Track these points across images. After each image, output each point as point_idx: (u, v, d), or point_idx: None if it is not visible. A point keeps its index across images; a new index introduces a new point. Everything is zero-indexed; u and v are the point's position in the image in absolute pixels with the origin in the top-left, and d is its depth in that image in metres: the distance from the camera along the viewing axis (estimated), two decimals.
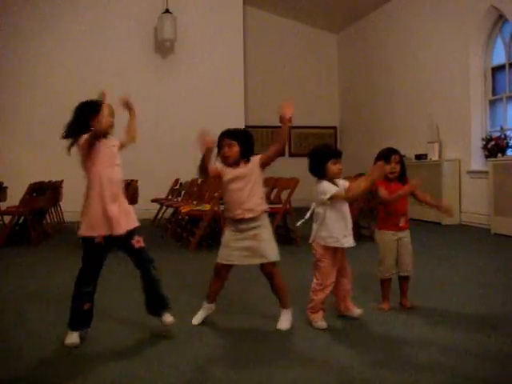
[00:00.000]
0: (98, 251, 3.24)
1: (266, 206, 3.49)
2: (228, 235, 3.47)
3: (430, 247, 6.65)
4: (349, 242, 3.50)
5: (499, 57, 8.73)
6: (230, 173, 3.43)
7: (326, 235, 3.48)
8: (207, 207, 6.96)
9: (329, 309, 3.62)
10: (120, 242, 3.28)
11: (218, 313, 3.64)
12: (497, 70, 8.80)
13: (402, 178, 3.87)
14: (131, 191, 6.80)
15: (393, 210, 3.83)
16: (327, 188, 3.45)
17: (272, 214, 7.16)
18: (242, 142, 3.45)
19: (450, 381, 2.65)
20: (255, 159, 3.47)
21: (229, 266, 3.49)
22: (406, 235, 3.87)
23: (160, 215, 9.68)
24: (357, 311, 3.63)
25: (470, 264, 5.69)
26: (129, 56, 11.08)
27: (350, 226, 3.52)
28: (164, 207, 9.53)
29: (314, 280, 3.56)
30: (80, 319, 3.23)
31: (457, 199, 9.04)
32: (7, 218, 7.80)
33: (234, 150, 3.41)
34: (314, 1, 12.25)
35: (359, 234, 7.26)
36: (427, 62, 9.98)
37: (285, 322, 3.46)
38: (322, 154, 3.56)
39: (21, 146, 10.55)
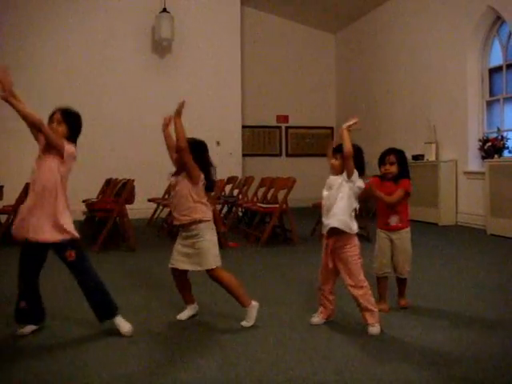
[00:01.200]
0: (25, 252, 3.36)
1: (202, 215, 3.52)
2: (177, 238, 3.65)
3: (426, 248, 6.65)
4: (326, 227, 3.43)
5: (496, 58, 8.74)
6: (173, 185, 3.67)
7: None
8: None
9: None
10: (55, 252, 3.33)
11: (210, 312, 3.63)
12: (494, 71, 8.81)
13: (398, 178, 3.83)
14: (127, 191, 6.78)
15: (380, 209, 3.87)
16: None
17: (269, 214, 7.20)
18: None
19: (447, 381, 2.65)
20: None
21: (175, 269, 3.61)
22: (399, 237, 3.83)
23: (156, 215, 9.67)
24: (371, 330, 3.35)
25: (467, 265, 5.70)
26: (126, 55, 11.06)
27: (330, 211, 3.40)
28: (160, 207, 9.52)
29: None
30: (17, 315, 3.40)
31: (453, 200, 9.05)
32: (3, 217, 7.78)
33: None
34: (311, 1, 12.25)
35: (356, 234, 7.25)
36: (424, 63, 9.99)
37: (248, 319, 3.51)
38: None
39: (17, 146, 10.51)
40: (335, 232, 3.38)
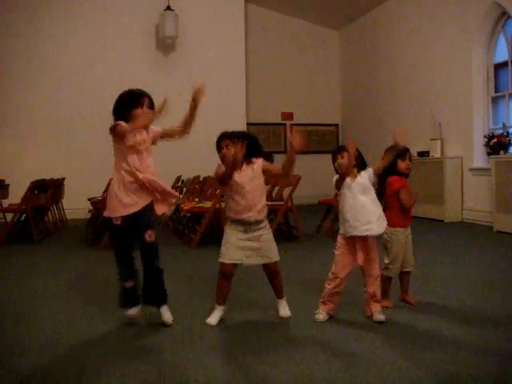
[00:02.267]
0: (117, 232, 3.45)
1: (266, 212, 3.57)
2: (231, 234, 3.49)
3: (432, 244, 6.64)
4: (368, 231, 3.45)
5: (502, 54, 8.70)
6: (239, 175, 3.45)
7: (344, 224, 3.54)
8: (209, 204, 6.96)
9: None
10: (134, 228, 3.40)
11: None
12: (499, 67, 8.77)
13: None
14: None
15: (405, 205, 3.85)
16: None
17: (274, 211, 7.19)
18: (248, 141, 3.47)
19: (452, 377, 2.65)
20: (258, 163, 3.51)
21: (234, 265, 3.50)
22: (410, 230, 3.91)
23: None
24: (378, 317, 3.50)
25: (473, 261, 5.68)
26: (130, 53, 11.07)
27: (369, 216, 3.46)
28: None
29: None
30: (124, 298, 3.48)
31: (459, 196, 9.03)
32: (9, 216, 7.80)
33: (238, 150, 3.39)
34: None
35: None
36: (429, 59, 9.96)
37: (286, 309, 3.59)
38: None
39: (22, 144, 10.55)
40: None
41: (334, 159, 3.60)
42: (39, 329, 3.45)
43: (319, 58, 13.80)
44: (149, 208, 3.42)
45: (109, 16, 11.02)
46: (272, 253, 3.51)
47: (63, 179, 9.24)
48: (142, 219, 3.39)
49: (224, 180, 3.49)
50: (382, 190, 3.84)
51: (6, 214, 8.01)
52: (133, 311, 3.47)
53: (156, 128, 3.54)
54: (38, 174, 8.56)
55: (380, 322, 3.46)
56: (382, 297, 3.77)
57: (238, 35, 11.80)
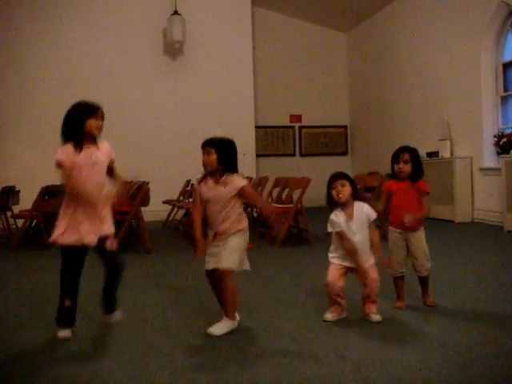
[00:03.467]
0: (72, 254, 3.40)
1: (243, 225, 3.43)
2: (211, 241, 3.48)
3: (443, 245, 6.61)
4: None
5: (510, 53, 8.66)
6: (207, 192, 3.42)
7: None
8: None
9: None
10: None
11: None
12: (508, 66, 8.73)
13: (414, 176, 3.82)
14: (142, 193, 6.81)
15: (397, 208, 3.84)
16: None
17: (284, 214, 7.19)
18: (220, 150, 3.37)
19: (465, 380, 2.63)
20: (236, 184, 3.38)
21: (210, 272, 3.43)
22: (414, 235, 3.82)
23: (171, 216, 9.71)
24: (374, 317, 3.56)
25: (484, 262, 5.65)
26: (138, 58, 11.11)
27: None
28: (175, 208, 9.55)
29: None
30: (61, 316, 3.37)
31: (469, 197, 8.99)
32: (20, 222, 7.84)
33: (212, 157, 3.35)
34: (322, 0, 12.22)
35: None
36: (437, 59, 9.93)
37: (218, 327, 3.38)
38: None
39: (33, 150, 10.60)
40: None
41: (331, 186, 3.57)
42: (53, 334, 3.46)
43: (327, 61, 13.80)
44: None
45: (116, 21, 11.07)
46: (226, 258, 3.32)
47: None
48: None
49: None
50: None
51: (17, 220, 8.05)
52: (65, 333, 3.33)
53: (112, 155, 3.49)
54: (48, 179, 8.59)
55: (378, 322, 3.52)
56: (397, 297, 3.86)
57: (245, 39, 11.82)
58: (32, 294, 4.71)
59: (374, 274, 3.55)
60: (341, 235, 3.53)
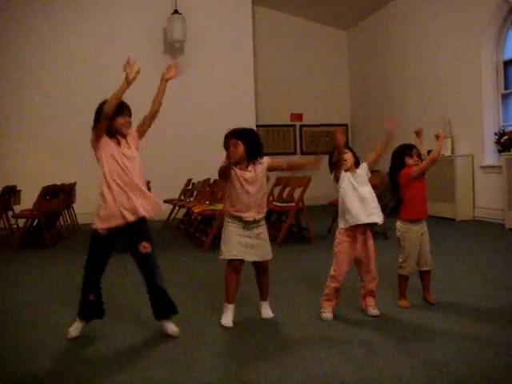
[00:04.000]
0: (102, 243, 3.34)
1: (265, 210, 3.65)
2: (232, 231, 3.53)
3: (444, 243, 6.61)
4: (370, 219, 3.59)
5: (511, 50, 8.65)
6: (241, 175, 3.48)
7: (345, 216, 3.61)
8: (220, 207, 6.95)
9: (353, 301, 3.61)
10: (127, 240, 3.35)
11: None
12: (509, 63, 8.72)
13: None
14: None
15: (422, 198, 3.87)
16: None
17: (285, 213, 7.20)
18: (247, 141, 3.50)
19: (467, 377, 2.63)
20: (263, 164, 3.55)
21: (241, 261, 3.52)
22: (426, 227, 3.88)
23: (173, 215, 9.71)
24: (373, 312, 3.64)
25: (485, 259, 5.65)
26: (138, 57, 10.99)
27: (370, 205, 3.60)
28: (177, 207, 9.55)
29: (332, 267, 3.66)
30: (86, 310, 3.37)
31: (470, 194, 8.99)
32: (21, 221, 7.85)
33: (240, 149, 3.46)
34: None
35: (372, 230, 7.24)
36: (438, 57, 9.92)
37: (268, 310, 3.70)
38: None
39: (34, 150, 10.61)
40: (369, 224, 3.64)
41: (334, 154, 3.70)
42: (54, 334, 3.47)
43: (328, 59, 13.79)
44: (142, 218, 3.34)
45: (116, 20, 11.07)
46: (267, 251, 3.61)
47: (75, 184, 9.29)
48: (135, 229, 3.33)
49: (223, 173, 3.55)
50: (395, 186, 3.92)
51: (19, 219, 8.05)
52: (74, 332, 3.34)
53: (132, 131, 3.51)
54: (49, 179, 8.61)
55: (375, 316, 3.60)
56: (399, 297, 3.88)
57: (245, 37, 11.82)
58: (33, 293, 4.71)
59: (373, 268, 3.66)
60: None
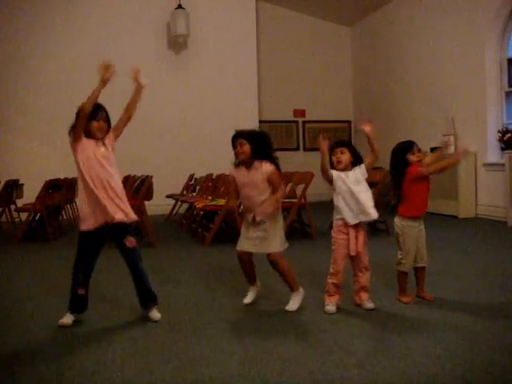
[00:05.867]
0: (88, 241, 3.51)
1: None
2: (243, 225, 3.82)
3: (446, 240, 6.61)
4: (358, 218, 3.64)
5: None
6: (242, 177, 3.70)
7: (336, 215, 3.72)
8: (222, 202, 6.96)
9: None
10: (112, 235, 3.51)
11: (230, 298, 3.64)
12: None
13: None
14: (146, 187, 6.81)
15: (426, 195, 3.89)
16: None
17: (287, 209, 7.19)
18: (252, 141, 3.66)
19: (468, 374, 2.63)
20: (263, 170, 3.64)
21: (246, 253, 3.75)
22: (423, 224, 3.90)
23: (175, 211, 9.72)
24: (368, 305, 3.70)
25: (487, 257, 5.65)
26: (142, 52, 11.09)
27: (361, 204, 3.63)
28: (179, 203, 9.56)
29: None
30: (75, 303, 3.53)
31: (473, 192, 8.98)
32: (24, 215, 7.86)
33: (245, 148, 3.63)
34: None
35: (375, 227, 7.25)
36: (442, 54, 9.90)
37: (292, 303, 3.73)
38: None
39: (37, 144, 10.62)
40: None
41: (332, 153, 3.83)
42: (56, 326, 3.48)
43: (331, 55, 13.76)
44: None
45: (119, 15, 11.07)
46: (271, 244, 3.66)
47: (76, 178, 9.29)
48: (118, 225, 3.47)
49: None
50: (398, 182, 3.90)
51: (21, 213, 8.07)
52: (67, 319, 3.50)
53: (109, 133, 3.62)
54: (52, 173, 8.62)
55: (370, 310, 3.65)
56: (400, 293, 3.89)
57: (249, 33, 11.81)
58: (36, 286, 4.72)
59: (365, 264, 3.70)
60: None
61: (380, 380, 2.58)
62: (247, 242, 3.72)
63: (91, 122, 3.48)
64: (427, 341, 3.06)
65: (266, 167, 3.63)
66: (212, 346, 3.07)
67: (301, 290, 3.78)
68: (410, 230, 3.83)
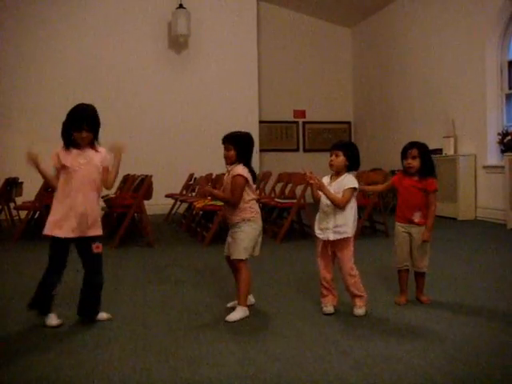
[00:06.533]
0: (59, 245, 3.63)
1: (249, 214, 3.68)
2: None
3: (445, 242, 6.61)
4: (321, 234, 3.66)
5: None
6: (224, 180, 3.80)
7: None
8: (221, 202, 6.95)
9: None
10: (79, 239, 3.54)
11: (226, 309, 3.64)
12: None
13: (424, 173, 3.82)
14: (145, 187, 6.81)
15: (402, 202, 3.89)
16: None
17: (287, 209, 7.20)
18: (238, 146, 3.69)
19: (466, 376, 2.63)
20: (233, 173, 3.65)
21: (227, 255, 3.78)
22: (418, 231, 3.80)
23: (174, 210, 9.71)
24: (356, 311, 3.63)
25: (486, 259, 5.65)
26: (143, 52, 11.09)
27: (331, 221, 3.60)
28: (178, 202, 9.55)
29: None
30: (48, 305, 3.55)
31: (472, 194, 8.98)
32: (23, 213, 7.85)
33: (231, 153, 3.68)
34: None
35: (374, 229, 7.26)
36: (442, 56, 9.90)
37: (234, 314, 3.57)
38: None
39: (36, 142, 10.60)
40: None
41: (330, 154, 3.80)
42: (55, 325, 3.47)
43: (331, 56, 13.75)
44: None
45: (121, 14, 11.05)
46: (235, 250, 3.65)
47: None
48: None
49: None
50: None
51: (20, 211, 8.06)
52: (55, 320, 3.50)
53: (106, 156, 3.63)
54: (51, 171, 8.60)
55: (359, 316, 3.59)
56: (400, 292, 3.90)
57: (250, 33, 11.80)
58: (34, 284, 4.71)
59: (346, 268, 3.62)
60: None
61: (377, 382, 2.58)
62: (226, 244, 3.78)
63: (73, 133, 3.57)
64: (425, 343, 3.06)
65: (234, 170, 3.64)
66: (210, 347, 3.07)
67: (247, 309, 3.61)
68: (396, 230, 3.90)
